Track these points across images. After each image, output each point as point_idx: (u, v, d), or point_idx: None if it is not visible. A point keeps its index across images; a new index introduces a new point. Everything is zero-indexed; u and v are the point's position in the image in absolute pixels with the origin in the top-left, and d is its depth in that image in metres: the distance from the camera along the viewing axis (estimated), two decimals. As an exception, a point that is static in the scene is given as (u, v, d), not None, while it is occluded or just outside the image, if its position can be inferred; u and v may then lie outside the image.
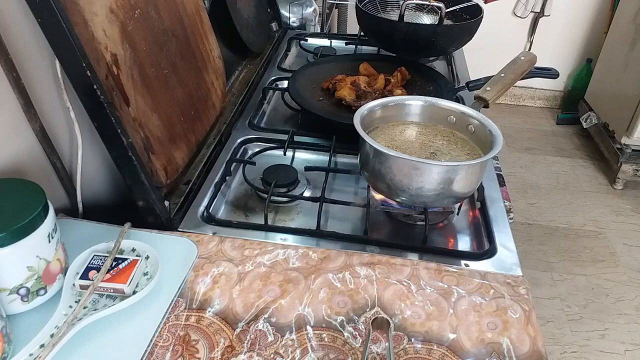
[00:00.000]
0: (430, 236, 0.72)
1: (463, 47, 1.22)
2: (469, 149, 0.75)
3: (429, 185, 0.66)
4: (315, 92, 1.02)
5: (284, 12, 1.45)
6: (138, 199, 0.67)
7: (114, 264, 0.58)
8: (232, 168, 0.84)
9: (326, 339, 0.55)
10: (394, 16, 1.27)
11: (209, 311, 0.58)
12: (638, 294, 1.82)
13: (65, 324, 0.51)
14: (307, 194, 0.81)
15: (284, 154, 0.88)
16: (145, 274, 0.60)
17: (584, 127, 2.57)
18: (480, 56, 2.02)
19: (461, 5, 1.21)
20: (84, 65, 0.57)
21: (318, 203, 0.74)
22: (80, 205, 0.73)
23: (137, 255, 0.61)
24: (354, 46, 1.32)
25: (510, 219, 0.76)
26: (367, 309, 0.59)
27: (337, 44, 1.37)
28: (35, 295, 0.54)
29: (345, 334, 0.56)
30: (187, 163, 0.81)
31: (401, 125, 0.80)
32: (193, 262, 0.63)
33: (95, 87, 0.58)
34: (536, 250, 1.99)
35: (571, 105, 2.82)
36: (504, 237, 0.71)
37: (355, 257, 0.65)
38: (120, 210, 0.76)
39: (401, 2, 1.10)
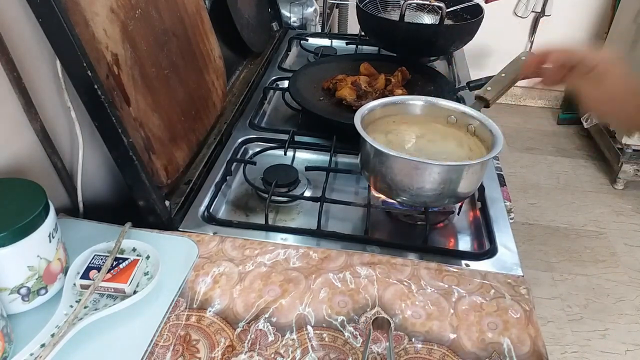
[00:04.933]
0: (430, 236, 0.72)
1: (464, 47, 1.22)
2: (469, 149, 0.75)
3: (429, 185, 0.66)
4: (316, 92, 1.02)
5: (285, 12, 1.44)
6: (139, 199, 0.67)
7: (114, 263, 0.58)
8: (232, 168, 0.84)
9: (327, 339, 0.55)
10: (394, 16, 1.27)
11: (210, 311, 0.58)
12: (639, 294, 1.82)
13: (66, 324, 0.51)
14: (307, 193, 0.81)
15: (285, 154, 0.88)
16: (146, 273, 0.60)
17: (585, 127, 2.57)
18: (481, 56, 2.02)
19: (462, 5, 1.20)
20: (85, 65, 0.57)
21: (318, 203, 0.74)
22: (81, 205, 0.73)
23: (137, 255, 0.61)
24: (354, 46, 1.32)
25: (511, 219, 0.76)
26: (368, 309, 0.59)
27: (338, 43, 1.37)
28: (36, 294, 0.54)
29: (346, 334, 0.56)
30: (188, 163, 0.81)
31: (402, 125, 0.80)
32: (194, 261, 0.64)
33: (96, 86, 0.58)
34: (537, 250, 1.99)
35: (572, 105, 2.82)
36: (504, 237, 0.70)
37: (355, 257, 0.65)
38: (121, 210, 0.76)
39: (402, 2, 1.10)
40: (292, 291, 0.60)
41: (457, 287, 0.62)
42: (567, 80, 0.66)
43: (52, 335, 0.50)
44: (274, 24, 1.40)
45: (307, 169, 0.82)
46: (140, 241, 0.63)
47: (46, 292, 0.55)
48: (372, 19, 1.18)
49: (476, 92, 0.83)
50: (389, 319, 0.57)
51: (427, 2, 1.21)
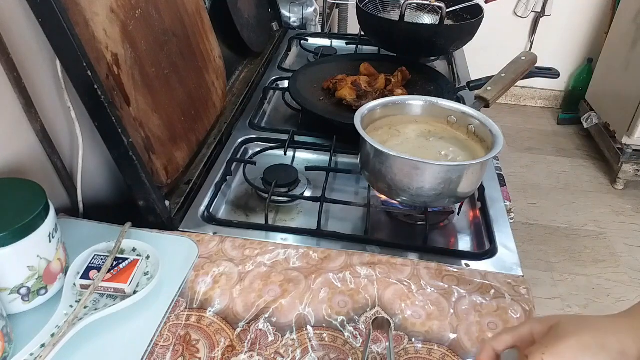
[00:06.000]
0: (430, 236, 0.72)
1: (464, 47, 1.22)
2: (469, 149, 0.75)
3: (429, 185, 0.66)
4: (316, 92, 1.02)
5: (285, 12, 1.44)
6: (139, 199, 0.67)
7: (114, 263, 0.58)
8: (232, 168, 0.84)
9: (327, 339, 0.55)
10: (394, 16, 1.27)
11: (210, 311, 0.58)
12: (639, 294, 1.82)
13: (66, 324, 0.51)
14: (307, 193, 0.81)
15: (285, 154, 0.88)
16: (146, 273, 0.60)
17: (585, 127, 2.57)
18: (481, 56, 2.02)
19: (462, 5, 1.20)
20: (85, 65, 0.57)
21: (318, 203, 0.74)
22: (81, 205, 0.73)
23: (137, 255, 0.61)
24: (354, 46, 1.32)
25: (511, 219, 0.76)
26: (368, 309, 0.59)
27: (338, 43, 1.37)
28: (36, 294, 0.54)
29: (346, 334, 0.56)
30: (188, 163, 0.81)
31: (402, 125, 0.80)
32: (194, 261, 0.64)
33: (96, 86, 0.58)
34: (537, 250, 1.99)
35: (572, 105, 2.82)
36: (504, 237, 0.70)
37: (355, 257, 0.65)
38: (121, 210, 0.76)
39: (402, 2, 1.10)
40: (292, 291, 0.60)
41: (457, 287, 0.62)
42: None
43: (52, 335, 0.50)
44: (274, 24, 1.40)
45: (307, 169, 0.82)
46: (140, 241, 0.63)
47: (46, 292, 0.55)
48: (372, 19, 1.18)
49: (476, 92, 0.83)
50: (389, 319, 0.57)
51: (427, 2, 1.20)
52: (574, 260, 1.95)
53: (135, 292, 0.56)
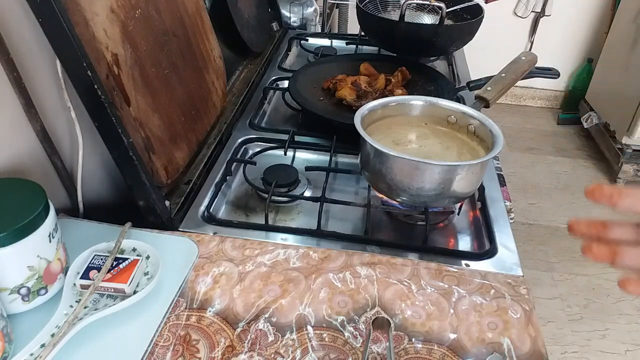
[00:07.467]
0: (430, 236, 0.72)
1: (464, 47, 1.22)
2: (469, 149, 0.75)
3: (429, 185, 0.66)
4: (316, 92, 1.02)
5: (285, 12, 1.44)
6: (139, 199, 0.67)
7: (114, 263, 0.58)
8: (232, 168, 0.84)
9: (327, 339, 0.55)
10: (394, 16, 1.27)
11: (210, 311, 0.58)
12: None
13: (66, 324, 0.51)
14: (307, 193, 0.81)
15: (285, 154, 0.88)
16: (146, 273, 0.60)
17: (585, 127, 2.57)
18: (481, 56, 2.02)
19: (462, 5, 1.20)
20: (85, 65, 0.57)
21: (318, 203, 0.74)
22: (81, 205, 0.73)
23: (137, 255, 0.61)
24: (354, 46, 1.32)
25: (511, 219, 0.76)
26: (368, 309, 0.59)
27: (338, 43, 1.37)
28: (36, 294, 0.54)
29: (346, 334, 0.56)
30: (188, 163, 0.81)
31: (402, 125, 0.80)
32: (194, 261, 0.64)
33: (96, 86, 0.58)
34: (537, 250, 1.99)
35: (572, 105, 2.82)
36: (504, 237, 0.70)
37: (355, 257, 0.65)
38: (121, 210, 0.76)
39: (402, 2, 1.10)
40: (292, 291, 0.60)
41: (457, 287, 0.62)
42: None
43: (52, 335, 0.50)
44: (274, 24, 1.40)
45: (307, 169, 0.82)
46: (140, 241, 0.63)
47: (46, 292, 0.55)
48: (372, 19, 1.18)
49: (476, 92, 0.83)
50: (389, 319, 0.57)
51: (427, 2, 1.21)
52: (574, 260, 1.95)
53: (135, 292, 0.56)
